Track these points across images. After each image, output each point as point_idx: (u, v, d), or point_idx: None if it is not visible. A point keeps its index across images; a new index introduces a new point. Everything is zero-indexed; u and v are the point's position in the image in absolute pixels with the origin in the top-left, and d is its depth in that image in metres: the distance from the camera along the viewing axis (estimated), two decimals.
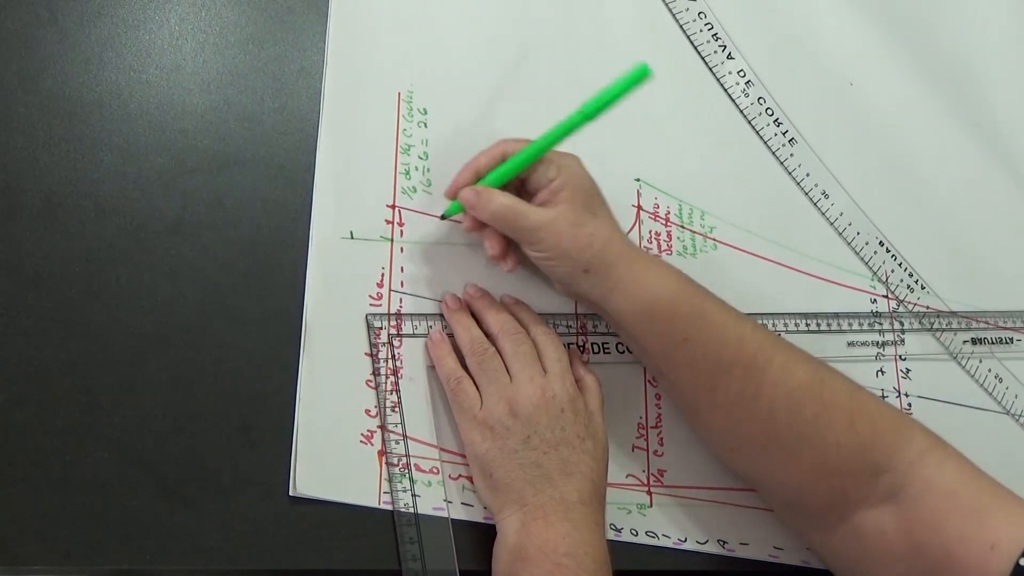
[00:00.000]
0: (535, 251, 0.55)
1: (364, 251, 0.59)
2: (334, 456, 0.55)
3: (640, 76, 0.51)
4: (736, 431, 0.55)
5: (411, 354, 0.58)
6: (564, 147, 0.56)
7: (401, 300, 0.59)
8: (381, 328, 0.58)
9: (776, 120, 0.70)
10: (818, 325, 0.65)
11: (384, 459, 0.56)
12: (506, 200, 0.55)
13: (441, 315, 0.59)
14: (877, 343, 0.67)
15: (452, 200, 0.58)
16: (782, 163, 0.69)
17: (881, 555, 0.52)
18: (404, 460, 0.56)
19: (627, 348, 0.61)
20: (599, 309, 0.58)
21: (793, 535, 0.60)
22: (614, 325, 0.58)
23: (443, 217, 0.59)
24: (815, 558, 0.61)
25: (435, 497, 0.56)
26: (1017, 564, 0.46)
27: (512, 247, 0.58)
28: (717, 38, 0.71)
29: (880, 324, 0.67)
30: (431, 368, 0.58)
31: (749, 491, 0.61)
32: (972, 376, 0.68)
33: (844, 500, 0.53)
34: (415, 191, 0.61)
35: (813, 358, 0.56)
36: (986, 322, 0.69)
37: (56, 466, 0.52)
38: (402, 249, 0.60)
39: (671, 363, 0.56)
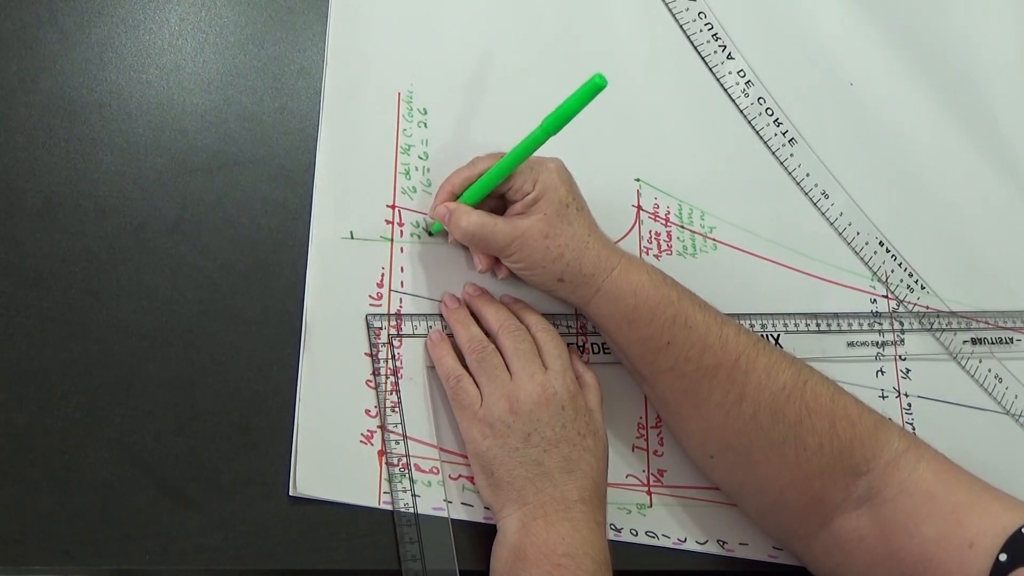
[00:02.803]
0: (510, 263, 0.57)
1: (364, 251, 0.59)
2: (334, 456, 0.55)
3: (594, 88, 0.51)
4: (719, 435, 0.55)
5: (411, 354, 0.58)
6: (563, 144, 0.56)
7: (401, 300, 0.59)
8: (381, 328, 0.58)
9: (776, 120, 0.70)
10: (818, 325, 0.65)
11: (384, 459, 0.56)
12: (475, 219, 0.56)
13: (441, 315, 0.59)
14: (877, 343, 0.66)
15: (434, 219, 0.59)
16: (782, 163, 0.69)
17: (860, 560, 0.52)
18: (404, 460, 0.56)
19: None
20: (583, 313, 0.59)
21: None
22: (598, 328, 0.59)
23: (430, 234, 0.60)
24: None
25: (435, 497, 0.56)
26: (997, 560, 0.46)
27: None
28: (717, 38, 0.71)
29: (880, 324, 0.67)
30: (431, 368, 0.58)
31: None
32: (972, 376, 0.68)
33: (823, 504, 0.53)
34: (415, 191, 0.61)
35: (796, 359, 0.56)
36: (986, 322, 0.69)
37: (56, 466, 0.52)
38: (402, 249, 0.60)
39: (653, 368, 0.56)
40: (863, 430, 0.53)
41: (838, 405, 0.54)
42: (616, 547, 0.56)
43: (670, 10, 0.71)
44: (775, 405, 0.54)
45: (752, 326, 0.64)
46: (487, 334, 0.57)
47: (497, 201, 0.58)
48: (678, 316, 0.55)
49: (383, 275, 0.59)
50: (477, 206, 0.57)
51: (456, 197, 0.58)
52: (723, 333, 0.55)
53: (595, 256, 0.55)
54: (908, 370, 0.66)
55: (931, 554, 0.49)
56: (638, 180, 0.66)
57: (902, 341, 0.67)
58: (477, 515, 0.57)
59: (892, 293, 0.68)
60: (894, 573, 0.51)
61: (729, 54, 0.71)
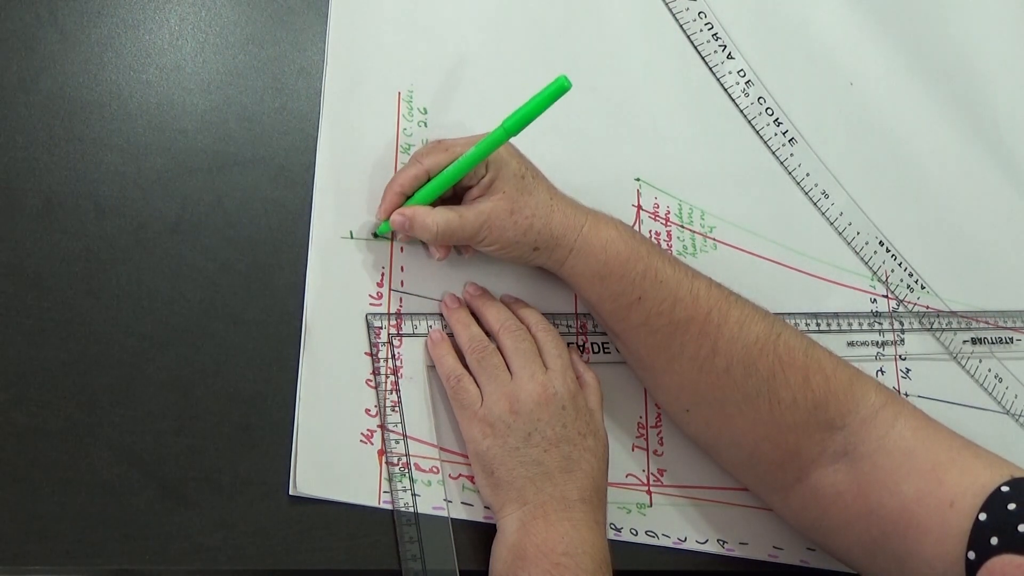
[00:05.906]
0: (483, 247, 0.57)
1: (364, 251, 0.59)
2: (334, 455, 0.55)
3: (559, 89, 0.51)
4: (692, 389, 0.55)
5: (411, 353, 0.58)
6: (563, 144, 0.56)
7: (401, 300, 0.59)
8: (381, 328, 0.58)
9: (776, 120, 0.70)
10: (818, 325, 0.65)
11: (384, 458, 0.56)
12: (439, 217, 0.55)
13: (441, 315, 0.59)
14: (877, 343, 0.67)
15: (383, 221, 0.58)
16: (782, 163, 0.69)
17: (839, 516, 0.53)
18: (404, 459, 0.56)
19: None
20: (557, 275, 0.59)
21: (792, 532, 0.61)
22: (573, 288, 0.59)
23: (375, 236, 0.59)
24: (815, 557, 0.61)
25: (435, 496, 0.56)
26: (977, 520, 0.46)
27: None
28: (717, 38, 0.71)
29: (880, 324, 0.67)
30: (431, 367, 0.58)
31: (749, 491, 0.61)
32: (972, 376, 0.68)
33: (798, 458, 0.54)
34: None
35: (769, 314, 0.56)
36: (986, 322, 0.69)
37: (56, 466, 0.52)
38: (402, 249, 0.60)
39: (626, 324, 0.56)
40: (837, 385, 0.53)
41: (811, 359, 0.54)
42: (616, 547, 0.56)
43: (670, 10, 0.71)
44: (748, 359, 0.54)
45: None
46: (487, 334, 0.58)
47: (448, 191, 0.57)
48: (648, 271, 0.55)
49: (383, 275, 0.59)
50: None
51: (407, 198, 0.57)
52: (694, 287, 0.55)
53: (562, 217, 0.56)
54: (908, 370, 0.66)
55: (911, 512, 0.49)
56: (638, 180, 0.66)
57: (902, 341, 0.67)
58: (477, 514, 0.57)
59: (892, 293, 0.68)
60: (873, 530, 0.51)
61: (729, 54, 0.71)
